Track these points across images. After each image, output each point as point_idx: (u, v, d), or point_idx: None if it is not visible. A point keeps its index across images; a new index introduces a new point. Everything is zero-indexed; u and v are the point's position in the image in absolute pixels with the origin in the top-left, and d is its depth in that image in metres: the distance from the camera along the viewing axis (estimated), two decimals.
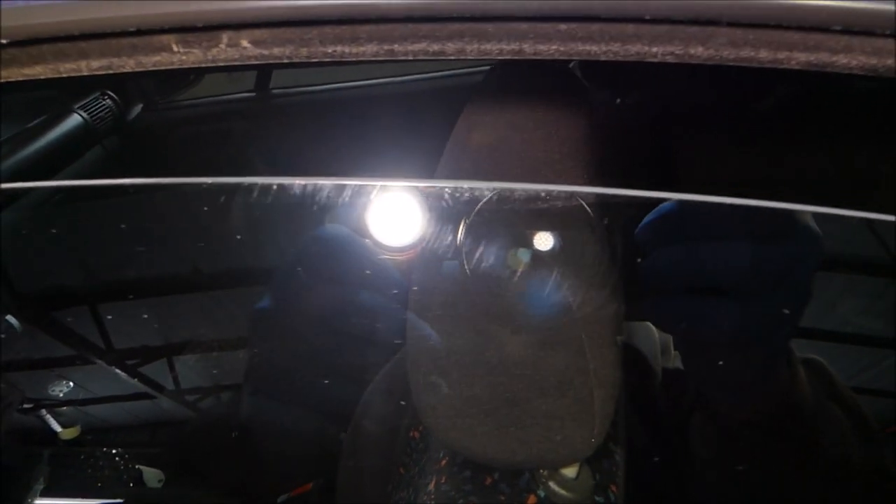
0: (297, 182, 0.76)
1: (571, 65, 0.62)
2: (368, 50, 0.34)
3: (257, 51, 0.35)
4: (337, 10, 0.32)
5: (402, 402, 0.79)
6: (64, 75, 0.37)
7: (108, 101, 1.39)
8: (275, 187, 0.81)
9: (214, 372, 1.14)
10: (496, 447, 0.40)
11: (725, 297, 0.46)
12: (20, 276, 1.19)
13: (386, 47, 0.33)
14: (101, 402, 1.18)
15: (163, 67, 0.36)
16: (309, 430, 1.06)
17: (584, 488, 0.45)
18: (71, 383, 1.05)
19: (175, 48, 0.35)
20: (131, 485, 1.11)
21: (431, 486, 0.45)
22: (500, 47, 0.32)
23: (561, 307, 0.41)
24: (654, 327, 0.60)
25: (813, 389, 0.51)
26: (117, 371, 1.14)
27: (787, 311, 0.45)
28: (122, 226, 1.19)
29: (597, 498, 0.48)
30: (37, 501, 1.04)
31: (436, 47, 0.33)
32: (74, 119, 1.32)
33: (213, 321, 1.21)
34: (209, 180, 0.64)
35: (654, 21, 0.28)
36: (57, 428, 1.11)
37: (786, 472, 0.52)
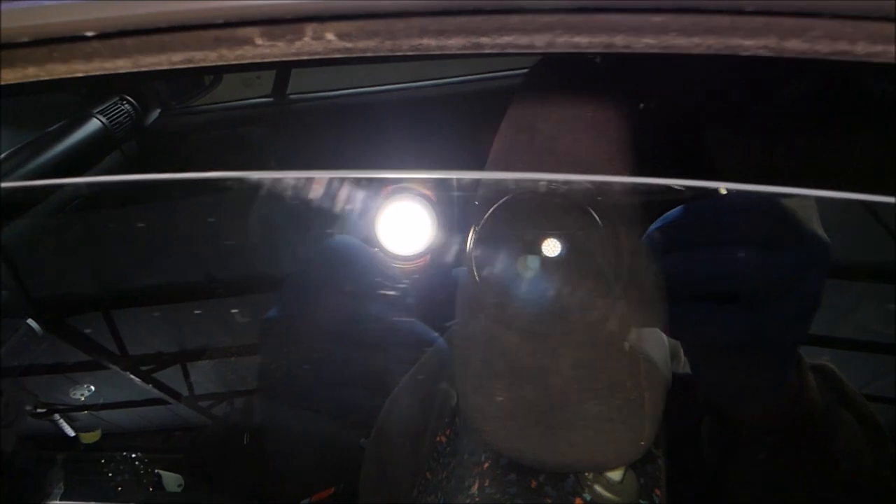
0: (309, 175, 0.76)
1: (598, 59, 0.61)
2: (455, 43, 0.34)
3: (342, 44, 0.34)
4: (428, 1, 0.32)
5: (428, 407, 0.79)
6: (143, 69, 0.37)
7: (126, 105, 1.39)
8: (288, 191, 0.81)
9: (231, 378, 1.13)
10: (546, 450, 0.39)
11: (733, 304, 0.45)
12: (38, 281, 1.18)
13: (473, 40, 0.33)
14: (116, 407, 1.17)
15: (244, 61, 0.36)
16: (320, 437, 1.06)
17: (630, 492, 0.45)
18: (92, 387, 1.05)
19: (258, 41, 0.35)
20: (150, 489, 1.10)
21: (474, 489, 0.45)
22: (591, 40, 0.32)
23: (609, 309, 0.41)
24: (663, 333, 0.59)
25: (823, 395, 0.51)
26: (133, 377, 1.14)
27: (796, 318, 0.45)
28: (139, 232, 1.19)
29: (641, 501, 0.47)
30: None
31: (525, 40, 0.33)
32: (94, 124, 1.32)
33: (227, 328, 1.20)
34: (203, 175, 0.63)
35: (753, 13, 0.29)
36: (71, 432, 1.11)
37: (796, 479, 0.52)
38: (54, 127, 1.28)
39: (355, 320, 1.01)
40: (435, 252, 1.00)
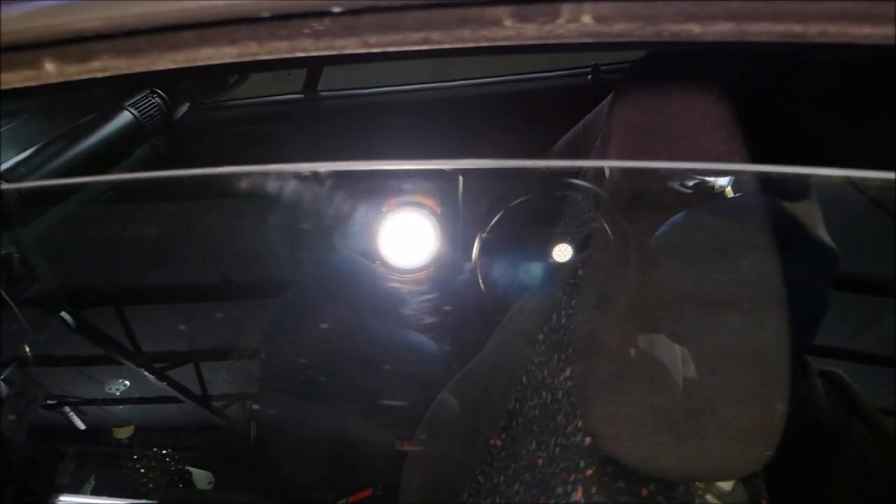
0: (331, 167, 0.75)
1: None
2: (722, 30, 0.31)
3: (597, 27, 0.32)
4: None
5: (480, 410, 0.78)
6: (375, 50, 0.34)
7: (156, 98, 1.38)
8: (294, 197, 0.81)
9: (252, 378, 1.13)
10: (674, 458, 0.39)
11: (738, 310, 0.45)
12: (69, 275, 1.18)
13: (742, 28, 0.31)
14: (145, 402, 1.16)
15: (485, 44, 0.34)
16: (355, 439, 1.06)
17: (739, 502, 0.44)
18: (126, 382, 1.04)
19: (507, 22, 0.33)
20: (181, 486, 1.10)
21: (578, 496, 0.44)
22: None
23: (759, 318, 0.40)
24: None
25: (832, 402, 0.50)
26: (147, 374, 1.13)
27: (802, 324, 0.45)
28: (172, 225, 1.19)
29: None
30: (61, 498, 1.02)
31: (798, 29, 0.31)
32: (125, 116, 1.31)
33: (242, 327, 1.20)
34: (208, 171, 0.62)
35: None
36: (81, 425, 1.10)
37: (805, 484, 0.51)
38: (85, 119, 1.27)
39: (355, 335, 1.01)
40: (439, 264, 1.00)
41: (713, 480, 0.43)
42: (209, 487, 1.10)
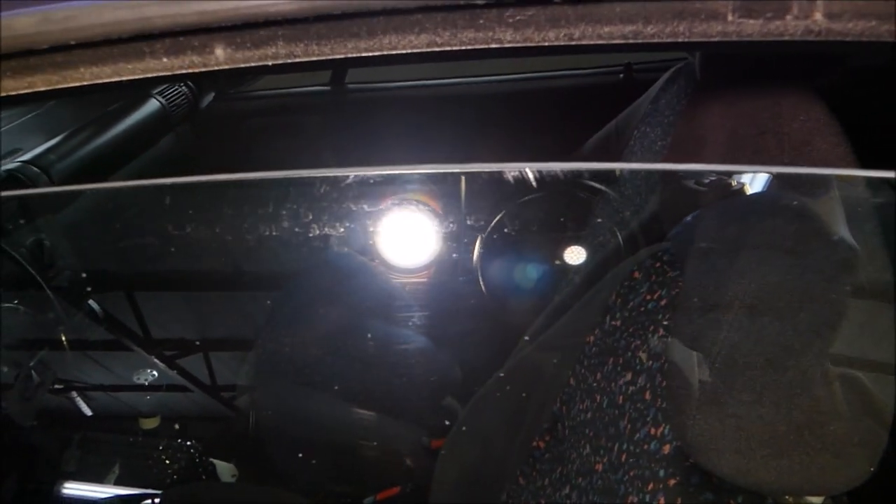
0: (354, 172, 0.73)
1: None
2: None
3: (828, 24, 0.30)
4: None
5: (522, 411, 0.77)
6: (544, 44, 0.33)
7: (184, 87, 1.37)
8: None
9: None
10: (774, 472, 0.38)
11: (755, 313, 0.43)
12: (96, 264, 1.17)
13: None
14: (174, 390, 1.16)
15: (696, 39, 0.31)
16: (381, 436, 1.05)
17: None
18: (154, 372, 1.04)
19: (730, 17, 0.31)
20: (204, 477, 1.09)
21: None
22: None
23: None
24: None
25: (849, 405, 0.49)
26: (158, 363, 1.13)
27: (819, 327, 0.43)
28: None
29: None
30: (66, 485, 1.02)
31: None
32: (152, 104, 1.30)
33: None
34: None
35: None
36: (88, 411, 1.10)
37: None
38: (114, 106, 1.27)
39: (351, 333, 1.00)
40: (439, 264, 0.99)
41: (808, 495, 0.42)
42: (233, 480, 1.09)
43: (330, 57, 0.33)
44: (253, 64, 0.33)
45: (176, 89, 1.35)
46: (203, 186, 1.08)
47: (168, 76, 0.36)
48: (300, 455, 1.03)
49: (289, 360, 1.08)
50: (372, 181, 0.97)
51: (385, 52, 0.33)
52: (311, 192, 1.00)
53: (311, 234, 1.04)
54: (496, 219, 1.02)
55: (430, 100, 1.38)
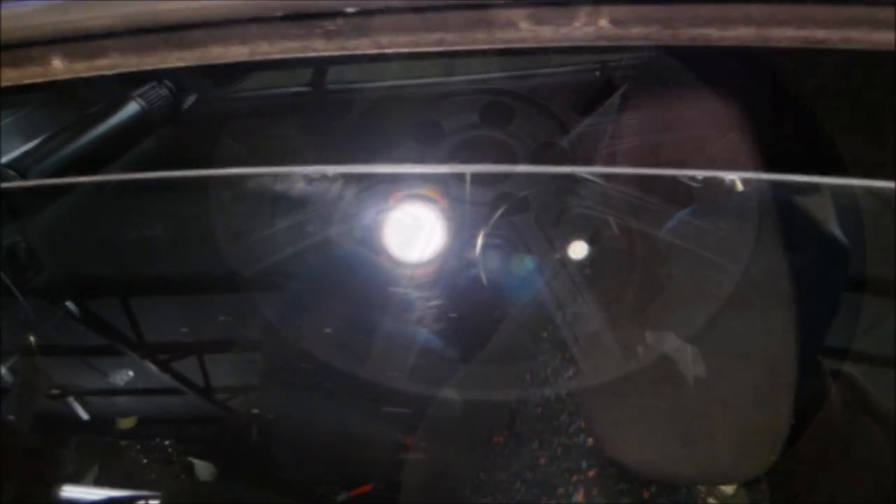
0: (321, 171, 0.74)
1: None
2: (742, 34, 0.30)
3: (614, 30, 0.31)
4: None
5: (484, 407, 0.78)
6: (388, 50, 0.34)
7: (164, 89, 1.38)
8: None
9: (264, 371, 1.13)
10: (680, 461, 0.38)
11: (745, 310, 0.44)
12: (73, 265, 1.18)
13: (762, 33, 0.29)
14: (148, 394, 1.17)
15: (501, 46, 0.33)
16: (356, 433, 1.06)
17: None
18: (130, 372, 1.04)
19: (522, 24, 0.32)
20: (182, 476, 1.10)
21: (580, 498, 0.43)
22: None
23: (768, 323, 0.40)
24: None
25: (844, 402, 0.49)
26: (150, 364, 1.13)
27: (813, 324, 0.44)
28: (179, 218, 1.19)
29: None
30: (66, 488, 1.03)
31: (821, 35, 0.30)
32: (133, 106, 1.31)
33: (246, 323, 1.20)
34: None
35: None
36: (85, 415, 1.10)
37: (816, 483, 0.51)
38: (93, 109, 1.27)
39: (357, 329, 1.01)
40: (444, 258, 0.99)
41: (717, 484, 0.42)
42: (211, 479, 1.10)
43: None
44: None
45: (156, 91, 1.36)
46: (197, 186, 1.09)
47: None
48: (287, 454, 1.04)
49: (296, 359, 1.08)
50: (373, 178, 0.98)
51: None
52: (310, 189, 1.01)
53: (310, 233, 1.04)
54: (497, 214, 1.02)
55: (406, 100, 1.38)
